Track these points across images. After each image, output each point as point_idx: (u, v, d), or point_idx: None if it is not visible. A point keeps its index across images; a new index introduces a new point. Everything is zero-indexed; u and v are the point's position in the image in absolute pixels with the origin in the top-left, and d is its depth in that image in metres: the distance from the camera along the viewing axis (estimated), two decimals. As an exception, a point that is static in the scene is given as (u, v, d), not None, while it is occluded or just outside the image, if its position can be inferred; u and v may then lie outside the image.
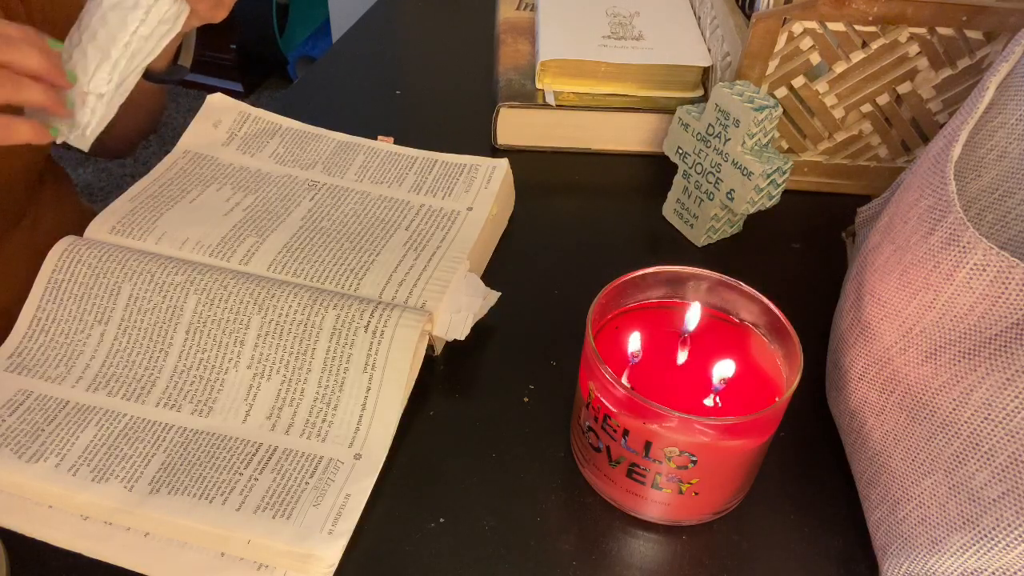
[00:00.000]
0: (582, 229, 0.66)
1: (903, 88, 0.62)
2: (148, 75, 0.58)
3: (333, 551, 0.42)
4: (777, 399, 0.42)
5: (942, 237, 0.39)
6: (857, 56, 0.61)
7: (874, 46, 0.60)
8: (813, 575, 0.44)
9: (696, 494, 0.43)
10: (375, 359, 0.49)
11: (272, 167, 0.64)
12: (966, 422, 0.38)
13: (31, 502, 0.44)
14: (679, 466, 0.41)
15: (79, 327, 0.52)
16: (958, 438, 0.39)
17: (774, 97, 0.60)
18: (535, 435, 0.50)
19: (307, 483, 0.45)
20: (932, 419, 0.40)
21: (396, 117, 0.77)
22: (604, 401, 0.42)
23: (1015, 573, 0.37)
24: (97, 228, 0.56)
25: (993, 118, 0.44)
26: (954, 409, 0.39)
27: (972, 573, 0.38)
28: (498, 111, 0.71)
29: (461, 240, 0.59)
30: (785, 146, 0.67)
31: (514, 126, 0.72)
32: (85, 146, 0.50)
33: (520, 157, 0.70)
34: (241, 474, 0.45)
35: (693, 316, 0.46)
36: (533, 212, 0.67)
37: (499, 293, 0.54)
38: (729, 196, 0.60)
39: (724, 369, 0.43)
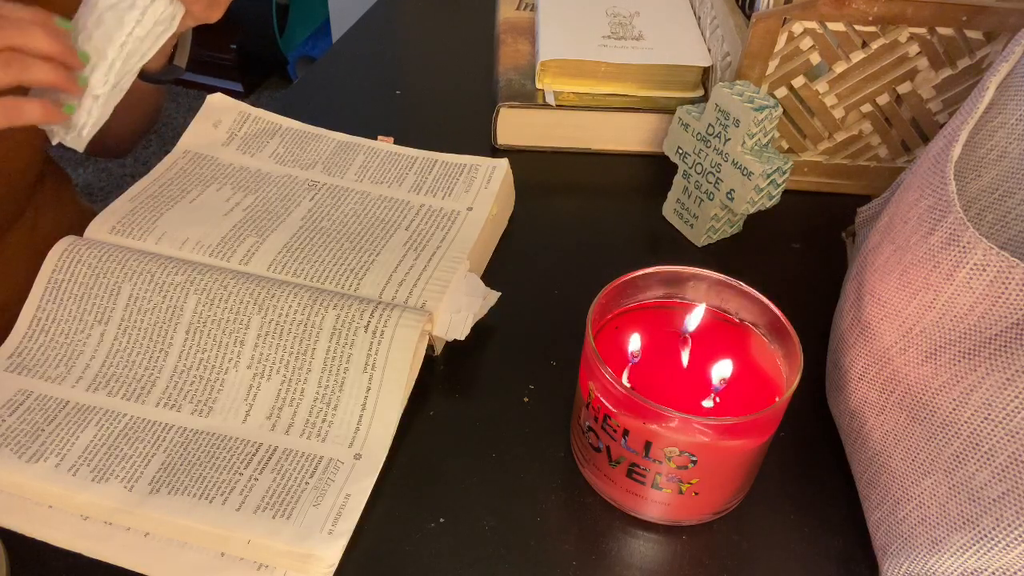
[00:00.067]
0: (582, 229, 0.66)
1: (903, 88, 0.62)
2: (144, 75, 0.58)
3: (333, 551, 0.42)
4: (777, 399, 0.42)
5: (942, 237, 0.39)
6: (857, 56, 0.61)
7: (874, 46, 0.60)
8: (813, 575, 0.44)
9: (696, 494, 0.43)
10: (375, 359, 0.49)
11: (272, 167, 0.64)
12: (966, 422, 0.38)
13: (31, 502, 0.44)
14: (679, 466, 0.41)
15: (79, 327, 0.52)
16: (958, 438, 0.39)
17: (774, 97, 0.60)
18: (535, 435, 0.50)
19: (307, 483, 0.45)
20: (932, 419, 0.40)
21: (396, 117, 0.77)
22: (604, 401, 0.42)
23: (1015, 573, 0.37)
24: (97, 228, 0.56)
25: (993, 118, 0.44)
26: (954, 409, 0.39)
27: (972, 573, 0.38)
28: (498, 111, 0.71)
29: (461, 240, 0.59)
30: (785, 146, 0.67)
31: (514, 126, 0.72)
32: (80, 147, 0.50)
33: (520, 157, 0.70)
34: (241, 474, 0.45)
35: (697, 316, 0.46)
36: (533, 212, 0.67)
37: (499, 293, 0.54)
38: (729, 196, 0.60)
39: (724, 369, 0.43)
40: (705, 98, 0.73)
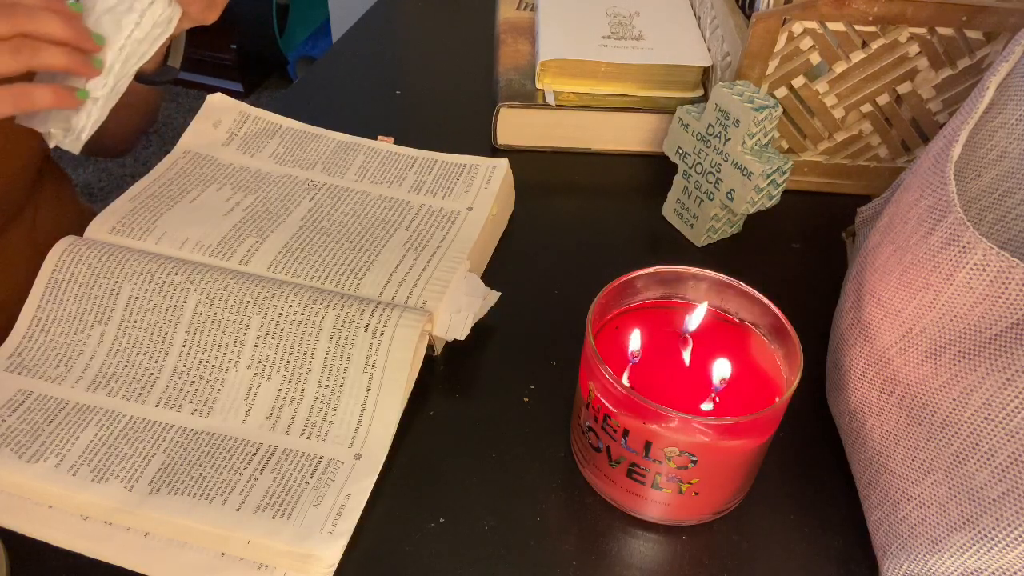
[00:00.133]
0: (582, 229, 0.66)
1: (903, 88, 0.62)
2: (138, 77, 0.58)
3: (333, 551, 0.42)
4: (777, 399, 0.42)
5: (942, 237, 0.39)
6: (857, 56, 0.61)
7: (874, 46, 0.60)
8: (813, 575, 0.44)
9: (696, 494, 0.43)
10: (375, 359, 0.49)
11: (272, 167, 0.64)
12: (966, 422, 0.38)
13: (31, 502, 0.44)
14: (679, 466, 0.41)
15: (79, 327, 0.52)
16: (958, 438, 0.39)
17: (774, 97, 0.60)
18: (535, 435, 0.50)
19: (307, 483, 0.45)
20: (932, 419, 0.40)
21: (396, 117, 0.77)
22: (604, 401, 0.42)
23: (1015, 573, 0.37)
24: (97, 228, 0.56)
25: (993, 118, 0.44)
26: (954, 409, 0.39)
27: (972, 573, 0.38)
28: (498, 111, 0.71)
29: (461, 240, 0.59)
30: (785, 146, 0.67)
31: (514, 126, 0.72)
32: (76, 149, 0.49)
33: (520, 157, 0.70)
34: (241, 474, 0.45)
35: (698, 316, 0.46)
36: (533, 212, 0.67)
37: (499, 293, 0.54)
38: (729, 196, 0.60)
39: (724, 369, 0.43)
40: (705, 98, 0.73)
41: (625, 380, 0.44)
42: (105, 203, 0.58)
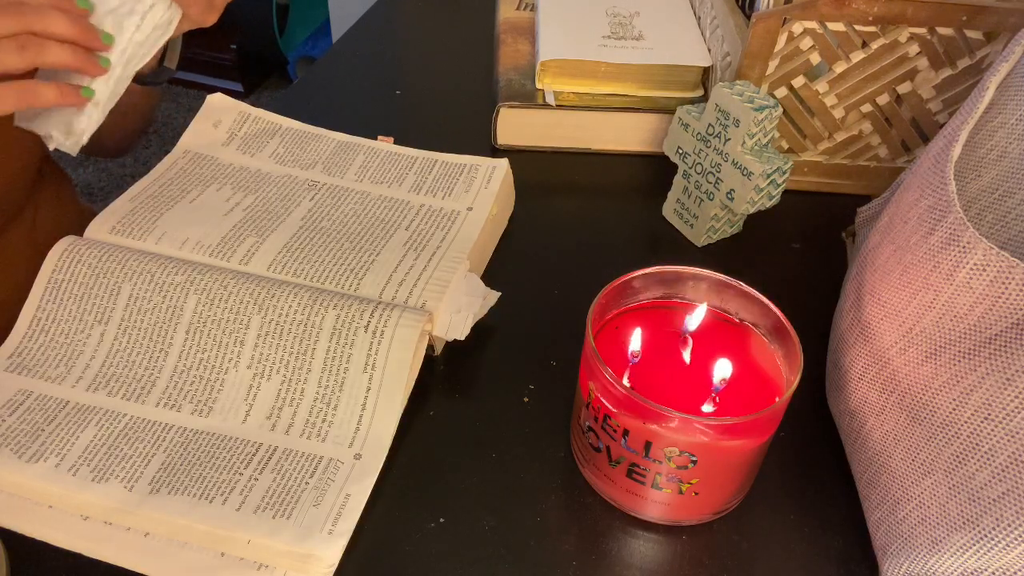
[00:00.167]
0: (582, 229, 0.66)
1: (903, 88, 0.62)
2: (134, 78, 0.58)
3: (333, 551, 0.42)
4: (777, 399, 0.42)
5: (942, 237, 0.39)
6: (857, 56, 0.61)
7: (874, 46, 0.60)
8: (813, 575, 0.44)
9: (696, 494, 0.43)
10: (375, 359, 0.49)
11: (272, 167, 0.64)
12: (966, 422, 0.38)
13: (31, 502, 0.44)
14: (679, 466, 0.41)
15: (79, 327, 0.52)
16: (958, 438, 0.39)
17: (774, 97, 0.60)
18: (535, 435, 0.50)
19: (307, 483, 0.45)
20: (932, 419, 0.40)
21: (396, 117, 0.77)
22: (604, 401, 0.42)
23: (1015, 573, 0.37)
24: (97, 228, 0.56)
25: (993, 118, 0.44)
26: (954, 409, 0.39)
27: (972, 573, 0.38)
28: (498, 111, 0.71)
29: (461, 240, 0.59)
30: (785, 146, 0.67)
31: (514, 126, 0.72)
32: (74, 151, 0.49)
33: (520, 157, 0.70)
34: (241, 474, 0.45)
35: (698, 316, 0.46)
36: (533, 212, 0.67)
37: (499, 293, 0.54)
38: (729, 196, 0.60)
39: (724, 369, 0.43)
40: (705, 98, 0.73)
41: (625, 380, 0.44)
42: (105, 203, 0.58)
